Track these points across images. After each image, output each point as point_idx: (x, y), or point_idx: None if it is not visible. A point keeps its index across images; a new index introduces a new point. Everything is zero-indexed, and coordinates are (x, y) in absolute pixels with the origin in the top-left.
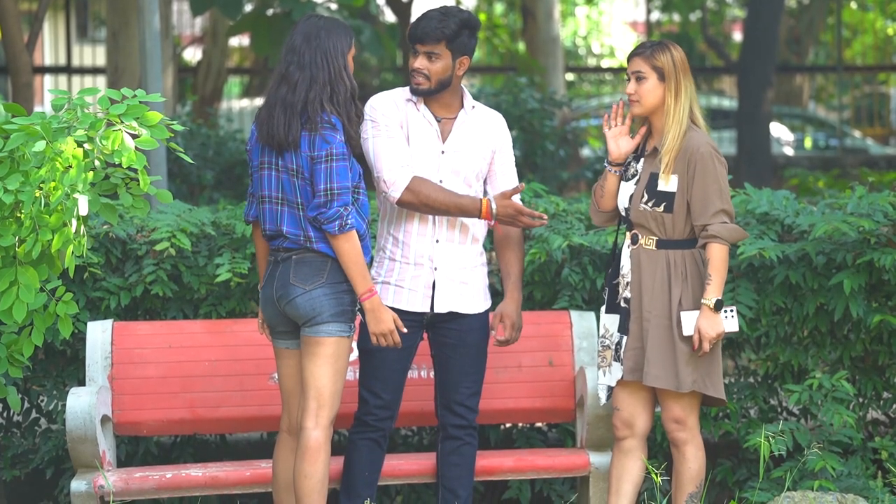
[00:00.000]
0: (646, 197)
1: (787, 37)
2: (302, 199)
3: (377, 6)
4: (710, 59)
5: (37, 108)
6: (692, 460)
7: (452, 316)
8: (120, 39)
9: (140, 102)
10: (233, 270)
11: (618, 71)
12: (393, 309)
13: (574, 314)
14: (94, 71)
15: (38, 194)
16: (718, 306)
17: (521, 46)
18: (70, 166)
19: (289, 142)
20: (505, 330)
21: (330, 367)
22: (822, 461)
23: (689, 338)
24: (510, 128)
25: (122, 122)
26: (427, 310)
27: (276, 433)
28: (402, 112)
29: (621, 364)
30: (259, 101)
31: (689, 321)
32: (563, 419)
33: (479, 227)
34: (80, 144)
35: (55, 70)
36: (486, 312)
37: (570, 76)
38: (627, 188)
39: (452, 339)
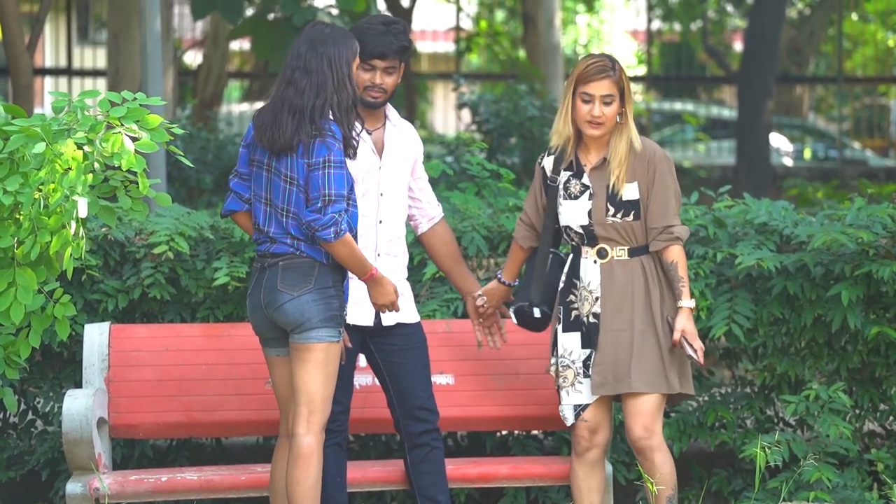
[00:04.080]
0: (612, 210)
1: (788, 47)
2: (292, 206)
3: (378, 12)
4: (711, 69)
5: (37, 110)
6: (662, 465)
7: (397, 326)
8: (121, 42)
9: (140, 105)
10: (231, 274)
11: None
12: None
13: None
14: (95, 73)
15: (37, 196)
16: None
17: (522, 54)
18: (69, 168)
19: (293, 146)
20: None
21: (320, 372)
22: (818, 472)
23: (669, 340)
24: (510, 135)
25: (122, 125)
26: (371, 323)
27: (271, 437)
28: None
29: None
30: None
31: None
32: (559, 427)
33: (403, 239)
34: (79, 147)
35: (56, 72)
36: (420, 322)
37: None
38: (578, 206)
39: (399, 345)
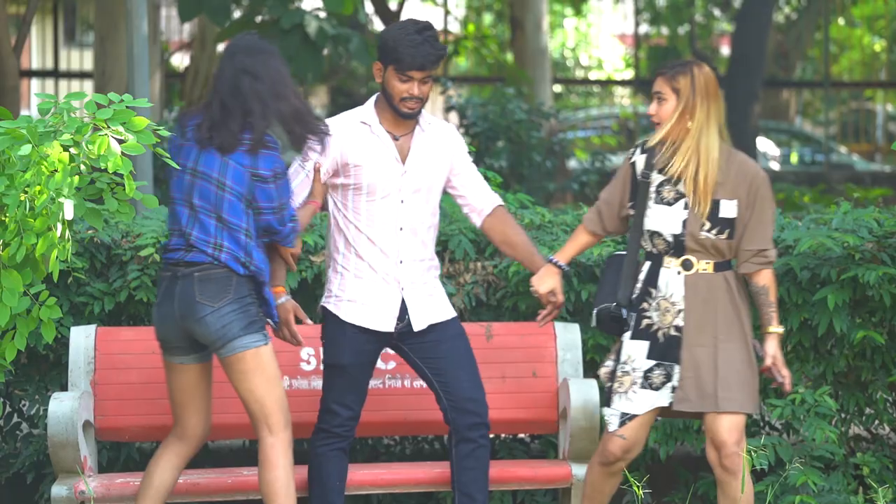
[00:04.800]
0: (708, 225)
1: (775, 51)
2: (225, 215)
3: (366, 15)
4: None
5: (23, 112)
6: (749, 484)
7: (429, 327)
8: (108, 44)
9: (127, 107)
10: None
11: (605, 83)
12: (356, 327)
13: (558, 326)
14: (82, 75)
15: (23, 198)
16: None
17: (510, 57)
18: (56, 170)
19: (235, 149)
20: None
21: (259, 377)
22: (803, 476)
23: (752, 358)
24: (497, 138)
25: (109, 127)
26: (393, 329)
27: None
28: (356, 134)
29: (671, 390)
30: None
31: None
32: (545, 431)
33: (432, 242)
34: (66, 149)
35: (42, 74)
36: (457, 317)
37: (557, 87)
38: (672, 213)
39: (432, 341)
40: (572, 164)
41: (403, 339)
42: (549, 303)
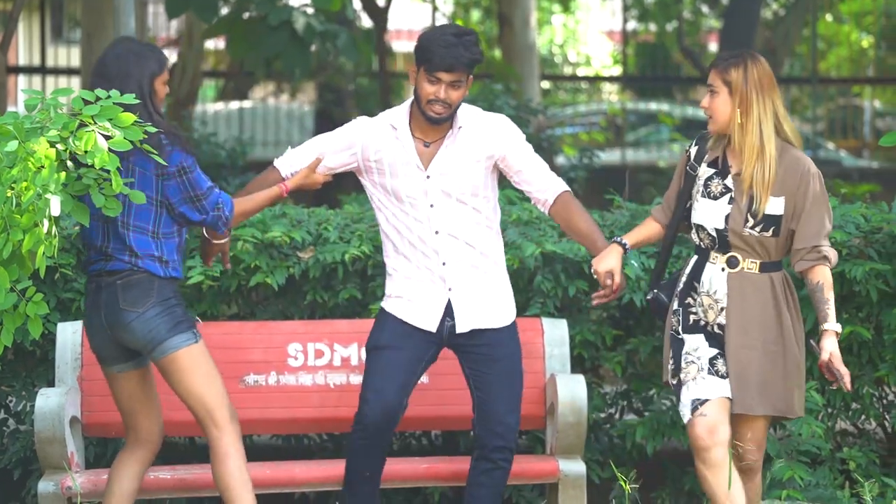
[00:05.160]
0: (751, 221)
1: (763, 48)
2: (131, 220)
3: (354, 11)
4: (686, 69)
5: (10, 108)
6: (758, 486)
7: (476, 333)
8: (95, 41)
9: (114, 104)
10: (204, 273)
11: (594, 80)
12: (404, 323)
13: (546, 322)
14: (69, 72)
15: (9, 194)
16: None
17: (498, 53)
18: (42, 166)
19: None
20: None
21: (195, 376)
22: (790, 471)
23: (797, 362)
24: None
25: (96, 123)
26: (434, 329)
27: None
28: (380, 138)
29: (720, 378)
30: (234, 105)
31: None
32: (533, 426)
33: (486, 243)
34: (52, 145)
35: (29, 70)
36: (513, 323)
37: (545, 84)
38: (716, 208)
39: (482, 354)
40: (560, 160)
41: (455, 341)
42: (606, 285)
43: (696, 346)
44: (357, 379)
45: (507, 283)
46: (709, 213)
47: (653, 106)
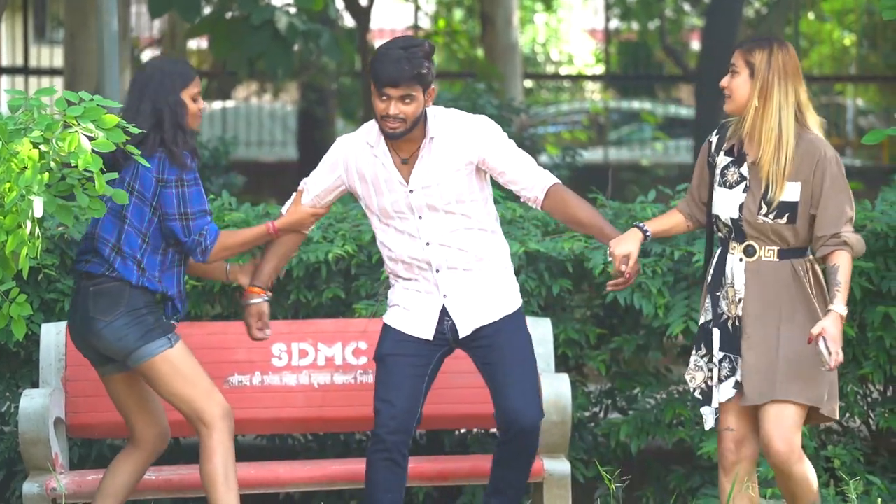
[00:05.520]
0: (765, 209)
1: None
2: (128, 213)
3: (336, 10)
4: (668, 68)
5: None
6: (801, 477)
7: (478, 330)
8: (78, 41)
9: (97, 105)
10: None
11: (576, 78)
12: (400, 333)
13: (529, 320)
14: (52, 72)
15: None
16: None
17: (480, 53)
18: (25, 167)
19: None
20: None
21: (176, 379)
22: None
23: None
24: None
25: (79, 124)
26: (431, 337)
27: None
28: (362, 163)
29: (734, 384)
30: (217, 104)
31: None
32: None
33: (480, 246)
34: (36, 146)
35: (12, 71)
36: (515, 312)
37: (528, 83)
38: (731, 196)
39: (485, 347)
40: (543, 158)
41: (461, 342)
42: (620, 271)
43: (714, 346)
44: (341, 378)
45: (505, 277)
46: (725, 203)
47: (635, 104)
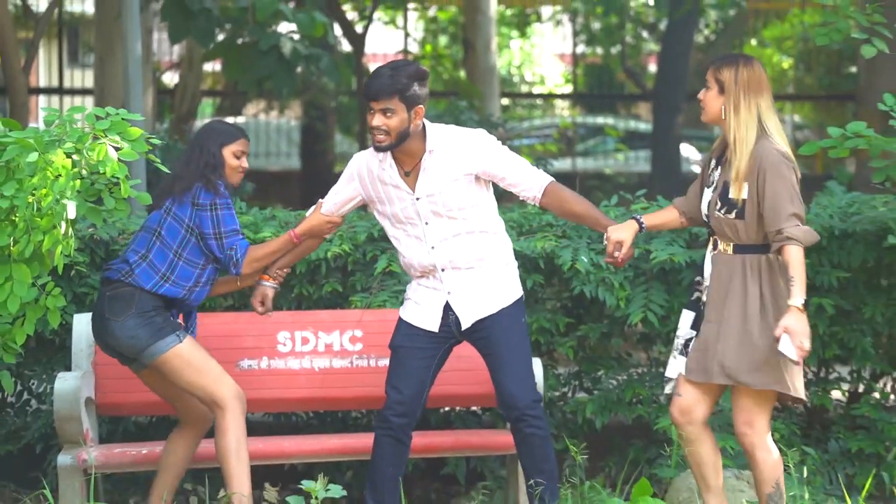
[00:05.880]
0: (719, 204)
1: (696, 68)
2: (163, 231)
3: (335, 37)
4: (629, 88)
5: (31, 125)
6: (761, 464)
7: (478, 322)
8: (106, 64)
9: (122, 119)
10: None
11: (547, 97)
12: (411, 325)
13: None
14: (83, 92)
15: (30, 200)
16: (805, 307)
17: (463, 74)
18: (60, 175)
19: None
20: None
21: (189, 370)
22: (722, 441)
23: (769, 337)
24: None
25: (107, 137)
26: (436, 329)
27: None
28: (372, 176)
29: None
30: (229, 120)
31: (786, 341)
32: (495, 404)
33: (481, 247)
34: (68, 156)
35: (48, 91)
36: (512, 304)
37: (505, 101)
38: (707, 195)
39: (484, 338)
40: None
41: (466, 336)
42: (612, 254)
43: (681, 325)
44: (339, 363)
45: (505, 273)
46: (704, 201)
47: (600, 120)
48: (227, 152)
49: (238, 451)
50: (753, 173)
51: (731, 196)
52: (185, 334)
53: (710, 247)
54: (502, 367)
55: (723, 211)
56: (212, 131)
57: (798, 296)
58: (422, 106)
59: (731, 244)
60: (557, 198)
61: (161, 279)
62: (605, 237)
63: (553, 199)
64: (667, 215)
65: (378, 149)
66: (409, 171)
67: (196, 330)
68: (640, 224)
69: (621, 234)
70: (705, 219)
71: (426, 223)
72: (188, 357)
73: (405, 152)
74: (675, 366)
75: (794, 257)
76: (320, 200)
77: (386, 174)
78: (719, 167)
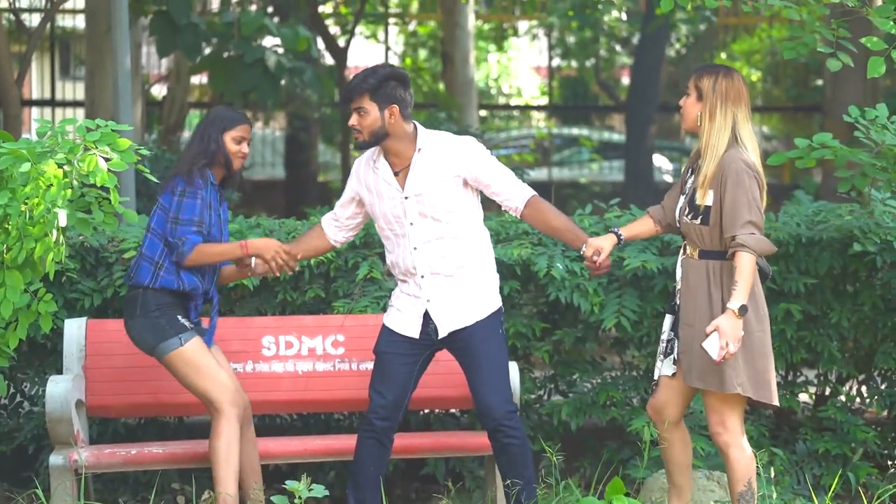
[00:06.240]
0: (687, 210)
1: (668, 81)
2: (153, 223)
3: (318, 50)
4: (602, 99)
5: (24, 136)
6: (734, 463)
7: (455, 332)
8: (96, 77)
9: (112, 131)
10: None
11: (524, 108)
12: (393, 332)
13: None
14: (75, 104)
15: (23, 208)
16: (743, 311)
17: (442, 86)
18: (51, 185)
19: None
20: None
21: (189, 372)
22: (693, 443)
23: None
24: None
25: (97, 147)
26: (417, 336)
27: None
28: (367, 173)
29: (672, 361)
30: None
31: (713, 340)
32: (472, 406)
33: (461, 255)
34: (60, 166)
35: (41, 103)
36: (490, 316)
37: (483, 112)
38: (680, 201)
39: (461, 349)
40: None
41: (444, 344)
42: (592, 262)
43: (664, 329)
44: (322, 366)
45: (483, 283)
46: (677, 207)
47: (574, 131)
48: (228, 138)
49: (228, 455)
50: (718, 180)
51: (696, 202)
52: (189, 336)
53: (681, 251)
54: (479, 379)
55: (689, 216)
56: (214, 118)
57: (737, 300)
58: (396, 105)
59: (697, 249)
60: (538, 211)
61: (155, 269)
62: (584, 245)
63: (534, 212)
64: (642, 225)
65: (356, 146)
66: (399, 171)
67: (214, 329)
68: (619, 237)
69: (601, 241)
70: (677, 224)
71: (411, 223)
72: (189, 360)
73: (394, 153)
74: (658, 368)
75: (743, 264)
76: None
77: (379, 171)
78: (693, 175)
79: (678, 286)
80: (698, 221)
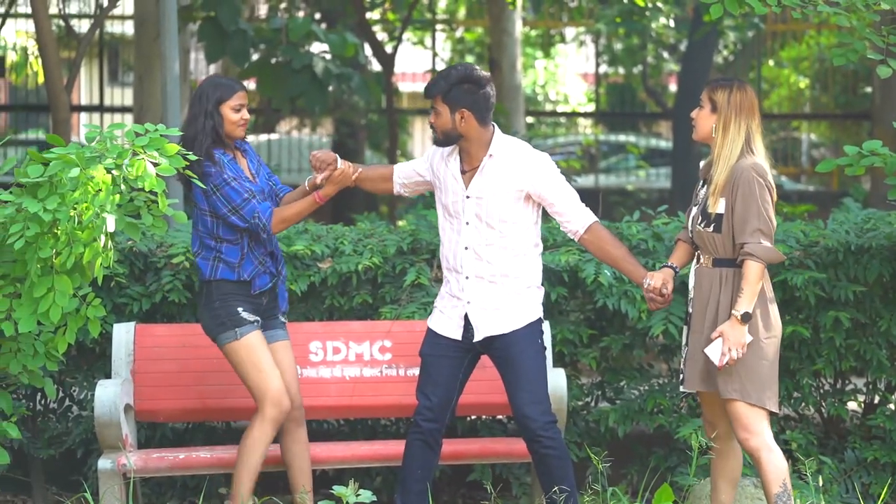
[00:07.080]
0: (700, 218)
1: None
2: (199, 225)
3: (365, 56)
4: (650, 107)
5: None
6: (766, 465)
7: (493, 339)
8: (145, 83)
9: (160, 136)
10: None
11: (571, 115)
12: (437, 334)
13: None
14: (123, 109)
15: (72, 213)
16: (746, 319)
17: None
18: (100, 190)
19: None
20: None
21: (239, 366)
22: (743, 452)
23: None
24: None
25: (145, 152)
26: (459, 338)
27: None
28: (440, 162)
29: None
30: (263, 137)
31: (716, 345)
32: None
33: (507, 264)
34: (108, 171)
35: (89, 108)
36: (529, 325)
37: (529, 119)
38: (693, 212)
39: (499, 357)
40: None
41: (483, 349)
42: (652, 296)
43: (683, 340)
44: (369, 372)
45: (525, 294)
46: (690, 217)
47: (621, 138)
48: (226, 108)
49: (250, 454)
50: (729, 188)
51: (708, 209)
52: (247, 330)
53: (695, 261)
54: (516, 388)
55: (703, 224)
56: (206, 90)
57: (742, 307)
58: (467, 109)
59: (711, 258)
60: (598, 238)
61: (213, 262)
62: (646, 279)
63: (594, 238)
64: (681, 252)
65: (434, 143)
66: (468, 171)
67: (286, 298)
68: (675, 269)
69: (663, 275)
70: (690, 234)
71: (466, 223)
72: (244, 354)
73: (466, 152)
74: (682, 381)
75: (750, 272)
76: (309, 179)
77: (450, 165)
78: (704, 186)
79: (691, 295)
80: (711, 229)
